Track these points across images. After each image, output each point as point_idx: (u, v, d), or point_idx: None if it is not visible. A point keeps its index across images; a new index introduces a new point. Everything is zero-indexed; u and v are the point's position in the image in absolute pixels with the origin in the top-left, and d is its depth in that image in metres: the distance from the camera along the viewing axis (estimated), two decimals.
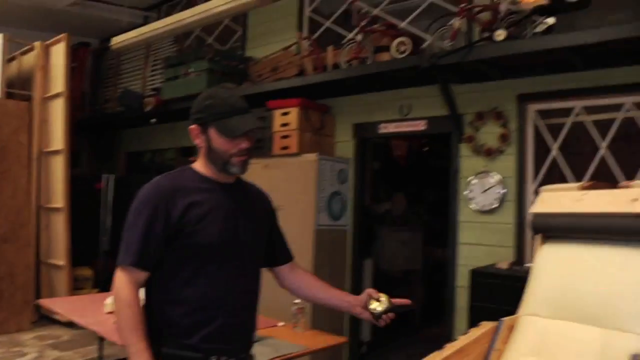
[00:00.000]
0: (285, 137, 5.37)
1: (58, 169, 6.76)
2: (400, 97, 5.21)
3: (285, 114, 5.37)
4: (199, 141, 1.97)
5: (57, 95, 6.80)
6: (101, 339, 4.27)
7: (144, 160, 8.65)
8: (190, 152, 6.92)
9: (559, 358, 1.97)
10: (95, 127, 8.55)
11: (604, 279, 1.92)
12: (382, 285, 6.01)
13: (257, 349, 3.03)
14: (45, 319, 6.79)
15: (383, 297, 2.13)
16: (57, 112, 6.81)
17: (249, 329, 2.10)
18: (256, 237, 2.11)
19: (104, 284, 6.33)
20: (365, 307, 2.15)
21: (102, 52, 8.64)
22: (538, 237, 2.28)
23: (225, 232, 1.95)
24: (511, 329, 2.20)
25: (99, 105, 8.48)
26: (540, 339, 2.07)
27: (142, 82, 7.79)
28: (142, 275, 1.88)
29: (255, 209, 2.14)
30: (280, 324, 3.66)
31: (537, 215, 2.22)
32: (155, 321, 1.89)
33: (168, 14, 7.70)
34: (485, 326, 2.22)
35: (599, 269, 1.95)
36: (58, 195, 6.71)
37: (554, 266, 2.15)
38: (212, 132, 1.92)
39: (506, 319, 2.19)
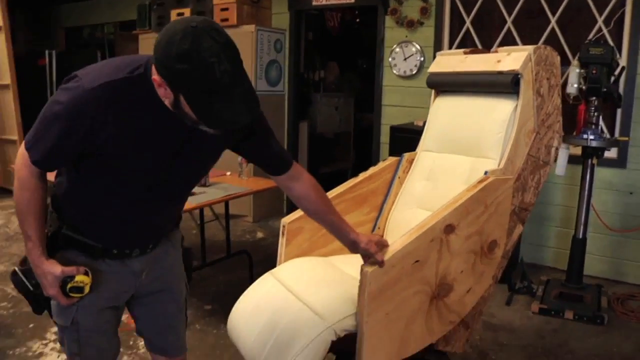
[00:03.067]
0: (224, 9, 5.74)
1: (1, 46, 6.87)
2: None
3: None
4: (161, 91, 1.45)
5: None
6: None
7: (83, 35, 8.67)
8: (130, 27, 7.13)
9: (442, 180, 2.66)
10: (31, 1, 8.33)
11: (474, 121, 2.56)
12: (316, 145, 6.72)
13: (210, 191, 3.69)
14: (4, 191, 7.26)
15: None
16: None
17: (159, 234, 1.92)
18: (195, 173, 1.90)
19: None
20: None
21: None
22: (433, 92, 2.90)
23: (155, 172, 1.68)
24: (411, 162, 2.87)
25: None
26: (430, 168, 2.74)
27: None
28: (43, 172, 1.64)
29: (206, 141, 1.64)
30: (228, 173, 4.27)
31: (432, 75, 2.82)
32: (59, 208, 1.74)
33: None
34: (391, 159, 2.89)
35: (471, 113, 2.59)
36: (4, 71, 6.86)
37: (442, 113, 2.78)
38: (185, 106, 1.41)
39: (406, 154, 2.85)
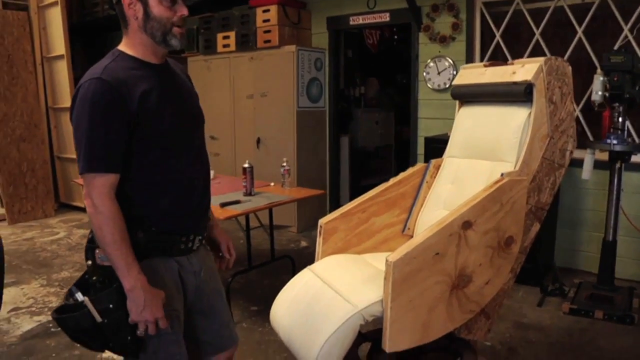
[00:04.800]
0: (267, 32, 6.09)
1: (62, 72, 7.43)
2: None
3: (266, 11, 6.07)
4: (131, 12, 1.81)
5: (53, 3, 7.34)
6: None
7: None
8: (180, 50, 7.51)
9: (465, 183, 2.88)
10: (87, 31, 8.82)
11: (492, 128, 2.79)
12: (358, 158, 6.96)
13: (255, 199, 3.99)
14: (65, 206, 7.85)
15: None
16: (56, 19, 7.38)
17: (208, 207, 2.15)
18: (201, 113, 2.12)
19: None
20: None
21: None
22: (457, 103, 3.13)
23: (180, 115, 1.93)
24: (438, 167, 3.11)
25: (88, 9, 8.54)
26: (455, 172, 2.98)
27: None
28: (115, 178, 1.76)
29: (190, 86, 2.13)
30: (272, 184, 4.57)
31: (455, 87, 3.05)
32: (128, 211, 1.80)
33: None
34: (419, 165, 3.13)
35: (490, 121, 2.82)
36: (65, 96, 7.45)
37: (464, 122, 3.02)
38: (156, 6, 1.80)
39: (433, 160, 3.09)
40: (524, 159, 2.60)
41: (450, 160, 3.06)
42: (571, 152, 2.78)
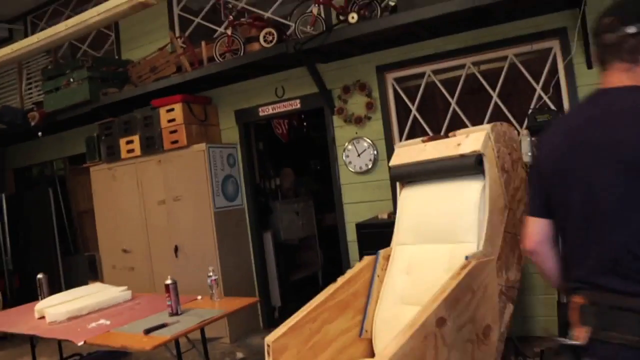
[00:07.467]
0: (173, 132, 5.74)
1: None
2: (274, 81, 5.73)
3: (170, 110, 5.73)
4: None
5: None
6: (34, 345, 4.51)
7: (32, 174, 8.58)
8: (80, 160, 7.07)
9: (422, 272, 2.59)
10: None
11: (444, 207, 2.54)
12: (283, 253, 6.60)
13: (184, 319, 3.52)
14: None
15: None
16: None
17: None
18: None
19: (12, 303, 6.34)
20: None
21: None
22: (398, 185, 2.88)
23: None
24: (387, 258, 2.80)
25: None
26: (408, 261, 2.68)
27: (19, 96, 7.73)
28: (545, 223, 1.75)
29: None
30: (199, 297, 4.10)
31: (394, 167, 2.82)
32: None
33: (34, 25, 7.74)
34: (367, 259, 2.81)
35: (441, 200, 2.58)
36: None
37: (411, 204, 2.76)
38: None
39: (382, 250, 2.78)
40: (486, 237, 2.34)
41: (401, 249, 2.76)
42: None
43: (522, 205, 2.49)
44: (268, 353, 2.40)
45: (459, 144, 2.47)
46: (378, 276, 2.77)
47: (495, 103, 4.74)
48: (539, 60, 4.61)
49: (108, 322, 3.63)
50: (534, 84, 4.57)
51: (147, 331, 3.27)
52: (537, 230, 1.80)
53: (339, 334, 2.64)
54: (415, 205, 2.73)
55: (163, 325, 3.36)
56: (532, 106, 4.53)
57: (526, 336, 4.62)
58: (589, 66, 4.32)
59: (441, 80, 5.00)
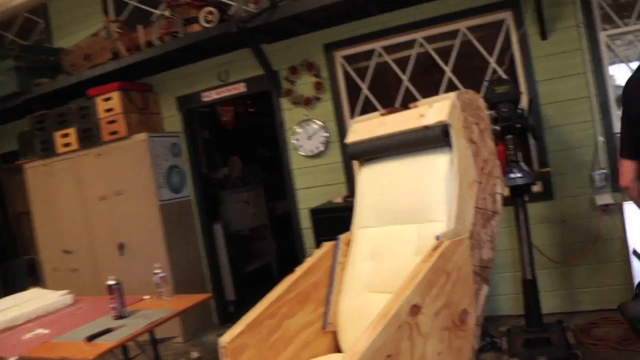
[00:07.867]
0: (111, 122, 5.39)
1: None
2: (217, 64, 5.43)
3: (107, 99, 5.38)
4: None
5: None
6: None
7: None
8: (13, 158, 6.64)
9: (389, 256, 2.38)
10: None
11: (410, 184, 2.34)
12: (235, 245, 6.35)
13: (130, 322, 3.23)
14: None
15: None
16: None
17: None
18: None
19: None
20: None
21: None
22: (356, 163, 2.66)
23: None
24: (348, 243, 2.59)
25: None
26: (372, 245, 2.47)
27: None
28: (637, 164, 2.40)
29: None
30: (146, 297, 3.81)
31: (351, 145, 2.59)
32: None
33: None
34: (326, 245, 2.59)
35: (405, 177, 2.37)
36: None
37: (371, 183, 2.54)
38: None
39: (342, 235, 2.57)
40: (457, 214, 2.15)
41: (363, 232, 2.54)
42: (502, 195, 2.38)
43: (493, 178, 2.31)
44: (224, 355, 2.16)
45: (422, 115, 2.26)
46: (340, 263, 2.55)
47: (449, 79, 4.59)
48: (491, 34, 4.47)
49: (46, 332, 3.30)
50: (488, 57, 4.44)
51: (90, 338, 2.97)
52: (630, 170, 2.41)
53: (300, 329, 2.41)
54: (377, 184, 2.52)
55: (108, 331, 3.07)
56: (485, 79, 4.39)
57: (492, 315, 4.51)
58: (544, 37, 4.21)
59: (393, 60, 4.81)
